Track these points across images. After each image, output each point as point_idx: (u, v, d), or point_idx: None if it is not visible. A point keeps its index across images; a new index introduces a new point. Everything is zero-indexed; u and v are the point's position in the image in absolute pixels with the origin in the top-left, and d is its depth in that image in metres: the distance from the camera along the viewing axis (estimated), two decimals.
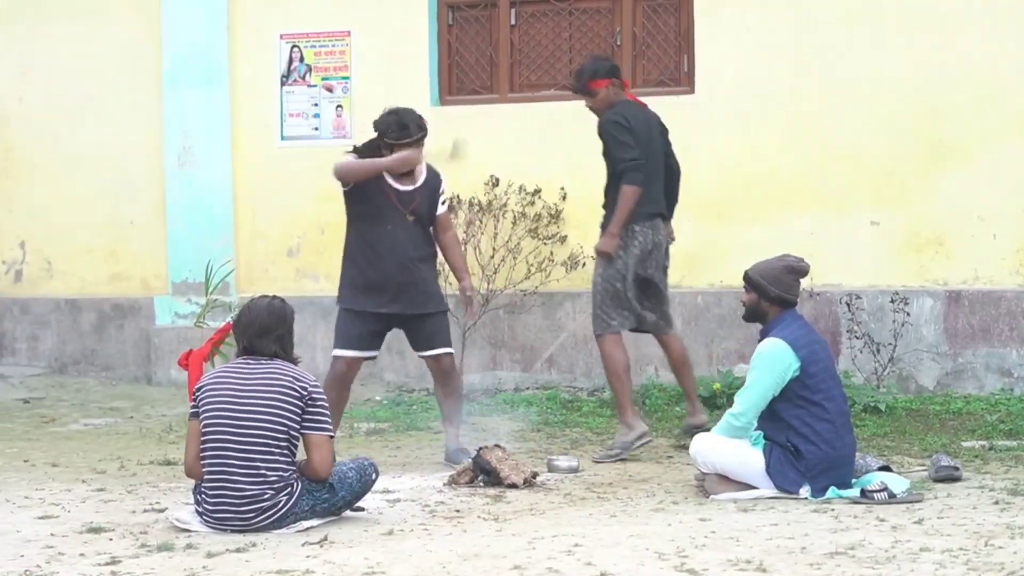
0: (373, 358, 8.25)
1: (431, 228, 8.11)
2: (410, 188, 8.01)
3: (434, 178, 8.12)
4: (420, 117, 8.05)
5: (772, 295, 7.02)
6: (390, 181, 7.97)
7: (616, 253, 8.19)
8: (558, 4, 10.85)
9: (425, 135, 8.02)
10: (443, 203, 8.16)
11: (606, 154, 8.31)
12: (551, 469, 7.72)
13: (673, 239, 8.64)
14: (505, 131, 10.72)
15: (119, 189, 11.56)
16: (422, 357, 8.16)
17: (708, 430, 8.16)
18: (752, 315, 7.14)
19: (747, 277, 7.12)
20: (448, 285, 9.70)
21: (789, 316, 7.03)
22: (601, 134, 8.30)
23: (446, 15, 11.03)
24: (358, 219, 8.06)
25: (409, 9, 10.96)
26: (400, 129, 7.94)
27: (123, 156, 11.52)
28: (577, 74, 8.45)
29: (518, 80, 10.91)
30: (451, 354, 8.14)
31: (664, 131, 8.56)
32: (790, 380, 6.86)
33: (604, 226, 8.29)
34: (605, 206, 8.38)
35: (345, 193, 8.07)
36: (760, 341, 7.04)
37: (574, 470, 7.65)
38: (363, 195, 8.01)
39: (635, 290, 8.27)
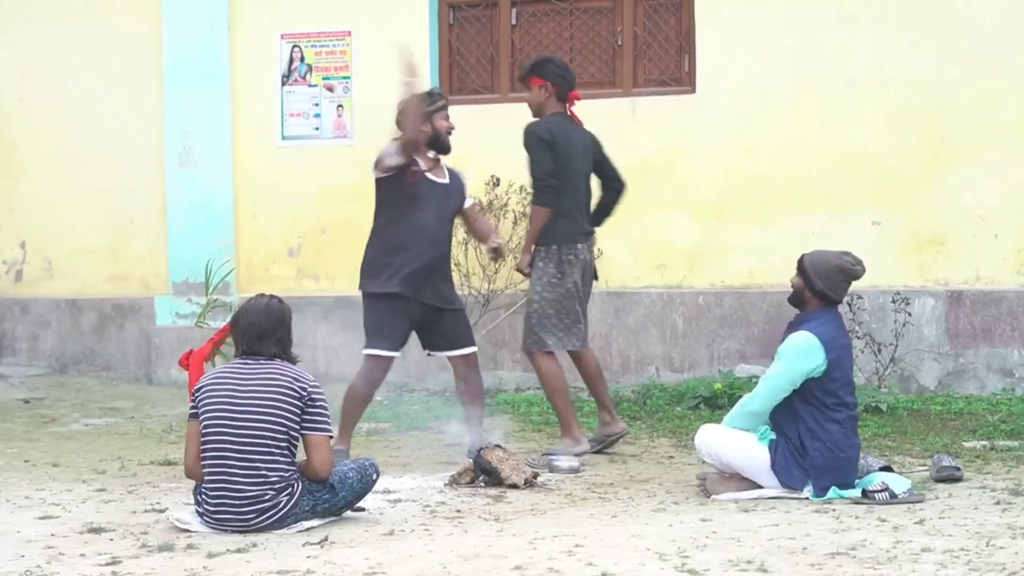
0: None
1: (453, 223, 8.24)
2: (443, 180, 8.09)
3: (456, 177, 8.22)
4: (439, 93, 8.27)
5: (816, 288, 6.93)
6: (423, 168, 8.00)
7: (561, 272, 8.06)
8: (559, 4, 10.84)
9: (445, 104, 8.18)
10: (470, 198, 8.33)
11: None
12: (551, 469, 7.72)
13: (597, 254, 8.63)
14: (506, 131, 10.63)
15: (120, 189, 11.56)
16: (449, 357, 8.13)
17: (622, 436, 8.29)
18: (795, 300, 7.04)
19: (800, 262, 6.99)
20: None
21: (827, 314, 6.93)
22: (525, 145, 8.08)
23: (447, 15, 11.03)
24: (396, 205, 7.98)
25: (410, 9, 10.96)
26: (430, 96, 8.07)
27: (124, 156, 11.52)
28: (526, 61, 8.49)
29: (518, 80, 10.89)
30: (476, 353, 8.22)
31: (599, 148, 8.36)
32: (811, 378, 6.81)
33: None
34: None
35: (380, 180, 8.02)
36: (788, 329, 6.97)
37: (574, 470, 7.64)
38: (398, 182, 7.95)
39: (581, 310, 8.20)
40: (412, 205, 7.94)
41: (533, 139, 8.04)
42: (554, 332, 8.09)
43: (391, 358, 7.95)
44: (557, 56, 8.59)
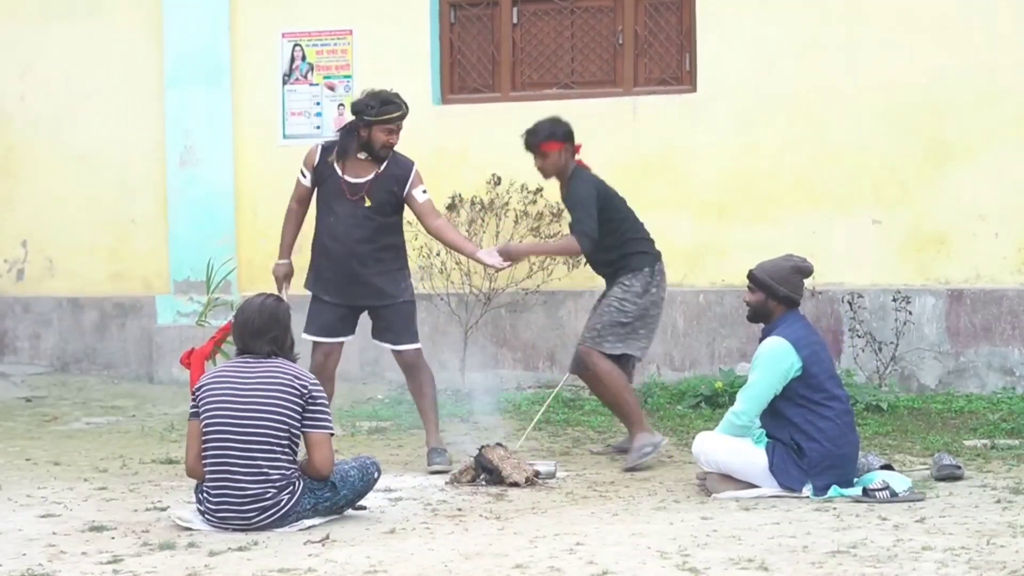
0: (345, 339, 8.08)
1: (397, 218, 7.96)
2: (361, 180, 7.85)
3: (398, 167, 7.89)
4: (397, 95, 7.87)
5: (780, 295, 7.02)
6: (340, 172, 7.86)
7: (645, 291, 8.07)
8: (560, 3, 10.84)
9: (402, 114, 7.82)
10: (423, 192, 7.92)
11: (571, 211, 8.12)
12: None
13: None
14: (507, 130, 10.62)
15: (121, 188, 11.56)
16: (392, 351, 8.04)
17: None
18: (757, 315, 7.13)
19: (754, 277, 7.11)
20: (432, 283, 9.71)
21: (792, 316, 7.04)
22: (571, 201, 8.03)
23: (448, 14, 11.03)
24: (318, 208, 8.02)
25: (411, 8, 10.96)
26: (381, 105, 7.79)
27: (125, 155, 11.52)
28: (532, 132, 8.10)
29: (520, 79, 10.91)
30: (414, 350, 7.95)
31: None
32: (792, 380, 6.87)
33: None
34: (605, 268, 8.20)
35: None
36: (762, 340, 7.04)
37: (552, 475, 7.51)
38: (320, 186, 7.96)
39: (647, 328, 8.16)
40: (325, 209, 7.95)
41: (587, 197, 7.97)
42: (616, 340, 8.04)
43: (320, 343, 7.93)
44: (555, 116, 8.38)
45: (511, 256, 8.14)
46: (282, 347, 6.46)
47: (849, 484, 6.86)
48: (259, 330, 6.41)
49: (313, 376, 6.46)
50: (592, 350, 8.03)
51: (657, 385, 10.04)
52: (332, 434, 6.41)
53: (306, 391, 6.31)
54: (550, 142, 8.06)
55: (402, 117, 7.85)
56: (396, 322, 7.95)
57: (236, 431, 6.23)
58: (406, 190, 7.90)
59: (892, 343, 9.94)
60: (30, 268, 11.85)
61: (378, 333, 8.04)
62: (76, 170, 11.63)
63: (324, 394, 6.42)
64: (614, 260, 8.16)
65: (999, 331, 9.92)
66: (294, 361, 6.46)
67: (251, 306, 6.49)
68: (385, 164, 7.89)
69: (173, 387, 10.96)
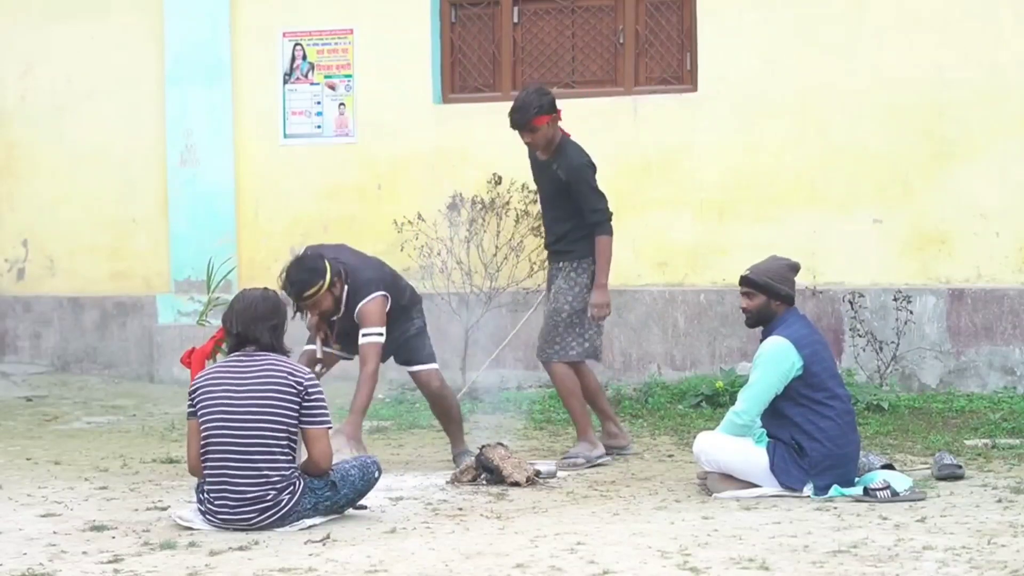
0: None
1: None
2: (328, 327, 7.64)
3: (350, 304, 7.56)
4: (298, 282, 7.37)
5: (783, 293, 7.02)
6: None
7: (592, 284, 7.96)
8: (561, 2, 10.84)
9: (296, 309, 7.41)
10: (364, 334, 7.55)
11: (568, 196, 7.99)
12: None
13: None
14: (508, 129, 10.63)
15: (121, 187, 11.56)
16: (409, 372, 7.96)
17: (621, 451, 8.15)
18: (759, 319, 7.08)
19: (752, 281, 7.05)
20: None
21: (793, 315, 7.04)
22: (575, 180, 7.92)
23: (449, 13, 11.03)
24: None
25: (412, 7, 10.96)
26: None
27: (125, 154, 11.53)
28: (520, 109, 7.96)
29: (521, 78, 10.91)
30: (434, 370, 7.87)
31: None
32: (793, 379, 6.87)
33: (558, 269, 8.08)
34: (555, 243, 8.10)
35: None
36: (763, 340, 7.04)
37: (552, 475, 7.50)
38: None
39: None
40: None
41: (590, 172, 7.96)
42: (578, 343, 8.01)
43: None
44: (532, 85, 8.32)
45: (604, 303, 7.97)
46: (279, 338, 6.43)
47: (850, 483, 6.86)
48: (263, 315, 6.36)
49: (308, 370, 6.44)
50: (552, 362, 8.02)
51: (658, 384, 10.04)
52: (330, 427, 6.40)
53: (302, 387, 6.28)
54: (540, 116, 7.96)
55: (306, 300, 7.43)
56: (415, 343, 7.85)
57: (234, 435, 6.21)
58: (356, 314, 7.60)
59: (893, 342, 9.94)
60: (31, 267, 11.85)
61: (400, 355, 7.89)
62: (76, 169, 11.64)
63: (320, 388, 6.38)
64: (566, 233, 8.03)
65: (1000, 330, 9.92)
66: (287, 354, 6.43)
67: (253, 293, 6.46)
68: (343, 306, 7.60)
69: (174, 386, 10.96)
